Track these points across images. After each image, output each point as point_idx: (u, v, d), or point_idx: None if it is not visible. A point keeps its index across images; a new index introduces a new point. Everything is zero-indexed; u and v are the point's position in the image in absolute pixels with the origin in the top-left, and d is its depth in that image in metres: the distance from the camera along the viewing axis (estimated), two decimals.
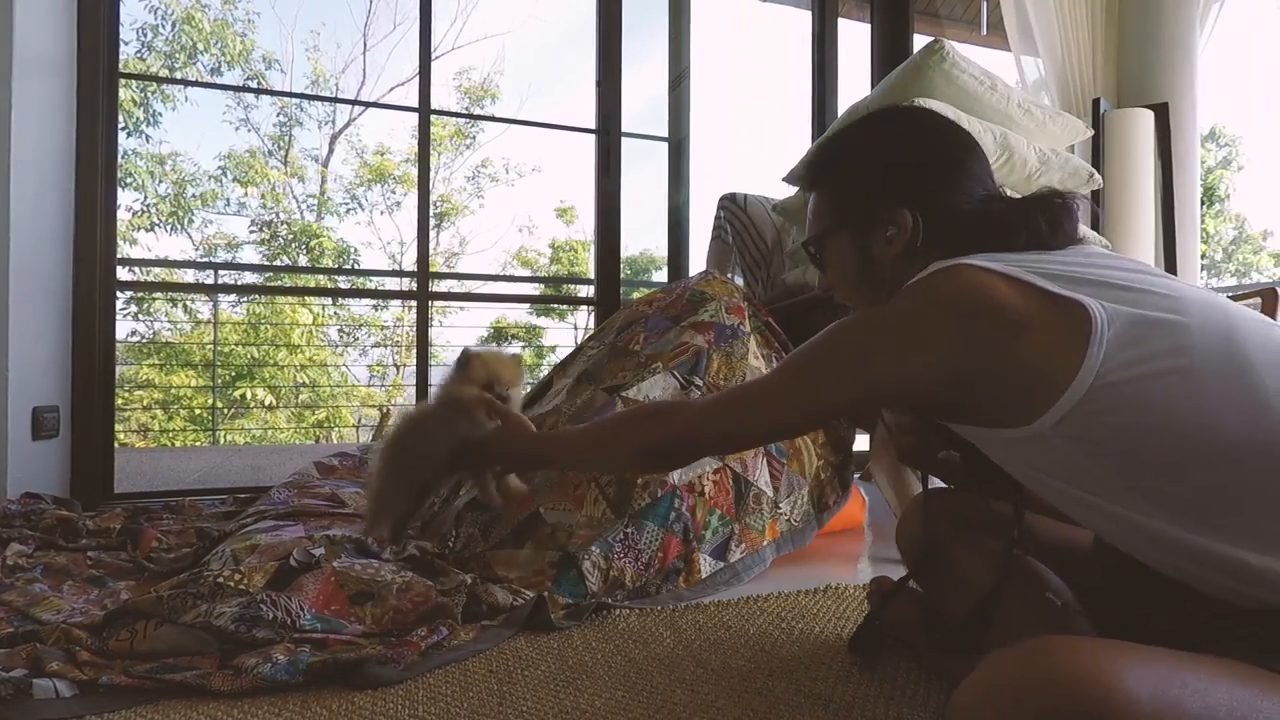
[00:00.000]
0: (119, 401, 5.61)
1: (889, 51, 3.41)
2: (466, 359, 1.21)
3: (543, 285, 10.96)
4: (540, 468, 1.39)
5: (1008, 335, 0.74)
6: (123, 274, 7.03)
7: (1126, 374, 0.70)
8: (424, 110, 2.86)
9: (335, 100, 11.49)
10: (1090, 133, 2.48)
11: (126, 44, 8.25)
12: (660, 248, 3.55)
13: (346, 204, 9.71)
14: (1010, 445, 0.79)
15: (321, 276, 9.13)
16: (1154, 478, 0.70)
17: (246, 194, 9.14)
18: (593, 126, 3.05)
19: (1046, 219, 0.87)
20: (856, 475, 1.87)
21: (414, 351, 2.98)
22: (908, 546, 1.11)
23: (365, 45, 10.14)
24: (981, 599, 0.91)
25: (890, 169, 0.94)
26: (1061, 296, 0.74)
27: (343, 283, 8.80)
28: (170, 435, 7.73)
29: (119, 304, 2.76)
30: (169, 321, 8.39)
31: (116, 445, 2.50)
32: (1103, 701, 0.55)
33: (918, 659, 1.11)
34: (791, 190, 2.54)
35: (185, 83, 9.39)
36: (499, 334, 9.62)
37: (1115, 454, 0.71)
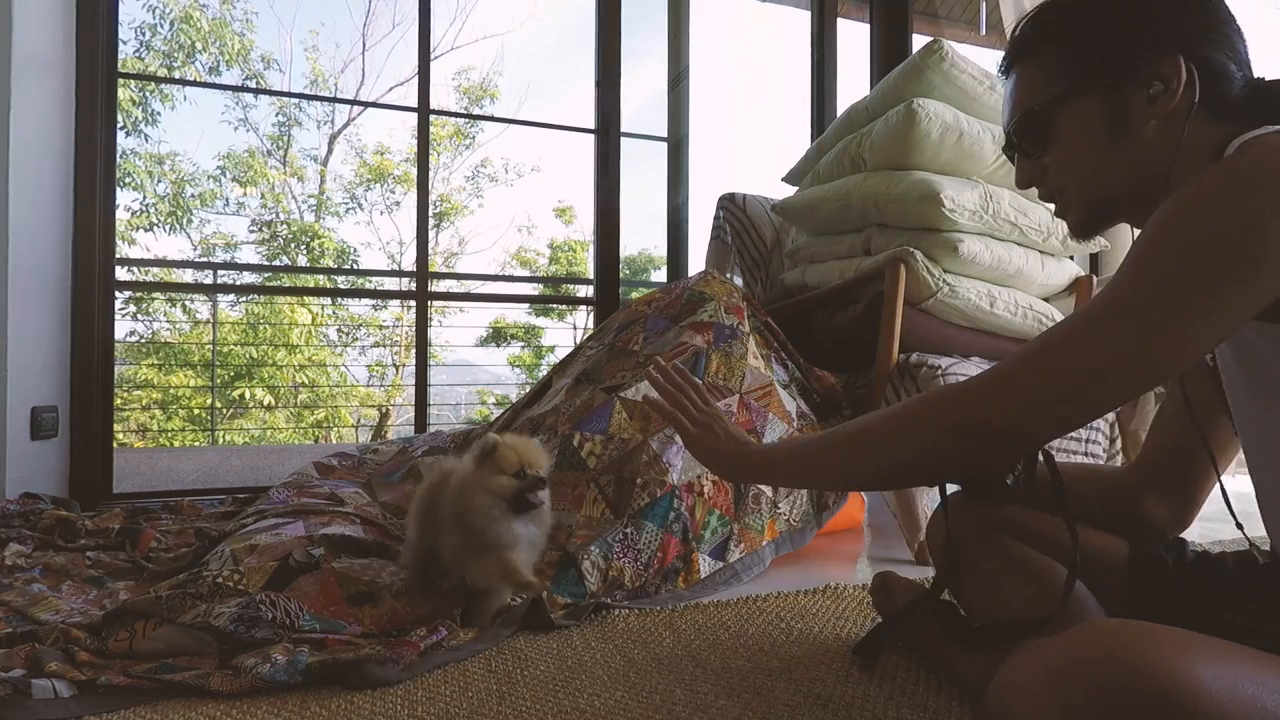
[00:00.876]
0: (118, 401, 5.61)
1: (888, 51, 3.41)
2: (494, 447, 1.19)
3: (542, 285, 10.96)
4: (779, 479, 1.07)
5: None
6: (121, 274, 7.03)
7: None
8: (423, 110, 2.86)
9: (334, 100, 11.48)
10: None
11: (125, 43, 8.25)
12: (659, 248, 3.55)
13: (346, 204, 9.72)
14: None
15: (320, 276, 9.13)
16: None
17: (245, 194, 9.14)
18: (592, 126, 3.05)
19: None
20: None
21: (413, 351, 2.98)
22: (936, 548, 1.10)
23: (364, 45, 10.15)
24: (1039, 617, 0.83)
25: (1151, 5, 0.76)
26: None
27: (342, 283, 8.81)
28: (169, 435, 7.72)
29: (118, 304, 2.76)
30: (168, 321, 8.38)
31: (115, 445, 2.49)
32: (1179, 689, 0.50)
33: (919, 657, 1.11)
34: (791, 190, 2.54)
35: (184, 82, 9.39)
36: (498, 334, 9.62)
37: None
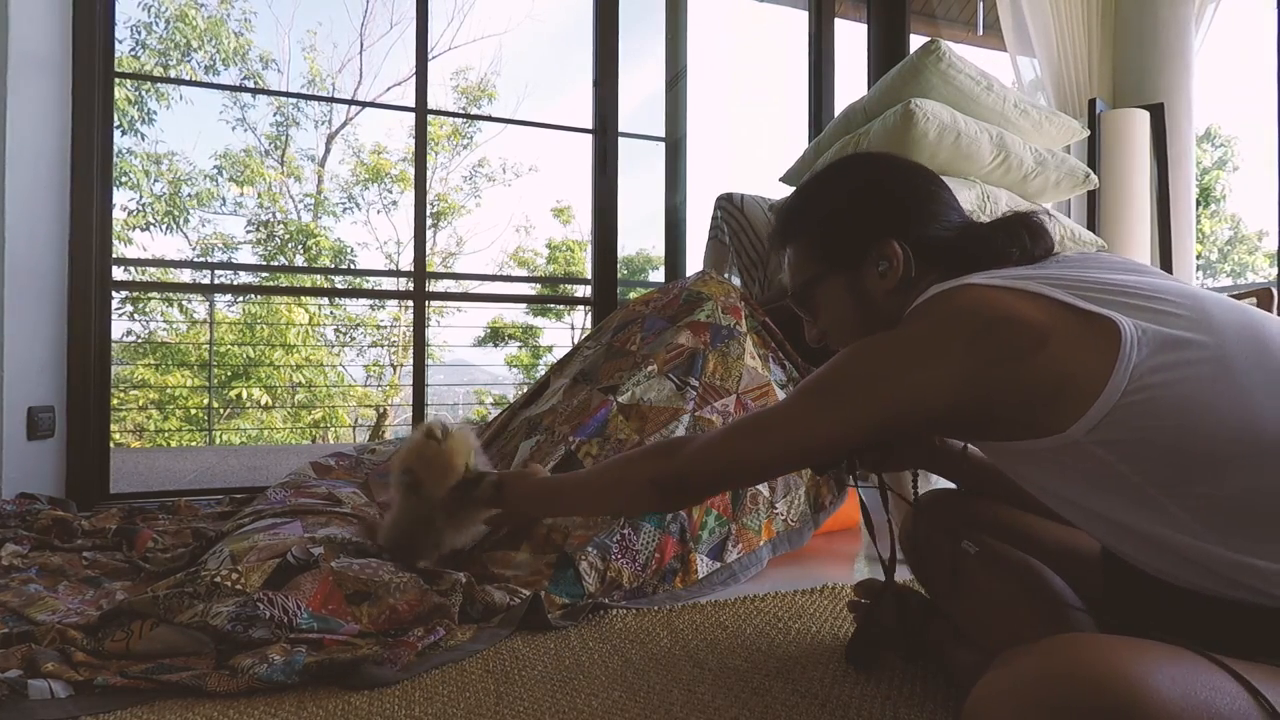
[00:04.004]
0: (114, 401, 5.59)
1: (885, 52, 3.41)
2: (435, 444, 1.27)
3: (539, 285, 10.96)
4: (552, 513, 1.28)
5: (1028, 347, 0.72)
6: (118, 274, 7.01)
7: (1162, 378, 0.68)
8: (421, 110, 2.86)
9: (332, 100, 11.46)
10: (1086, 133, 2.49)
11: (120, 42, 8.22)
12: (657, 248, 3.56)
13: (343, 204, 9.71)
14: (1039, 457, 0.76)
15: (318, 276, 9.11)
16: (1192, 482, 0.68)
17: (243, 194, 9.13)
18: (589, 126, 3.05)
19: (1029, 235, 0.89)
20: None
21: (410, 351, 2.98)
22: (909, 550, 1.11)
23: (362, 45, 10.14)
24: (948, 571, 0.95)
25: (867, 204, 0.96)
26: (1083, 309, 0.73)
27: (339, 283, 8.80)
28: (166, 435, 7.71)
29: (114, 303, 2.76)
30: (165, 321, 8.37)
31: (112, 445, 2.49)
32: (1132, 700, 0.53)
33: (917, 658, 1.11)
34: (789, 190, 2.54)
35: (181, 82, 9.38)
36: (496, 334, 9.61)
37: (1153, 458, 0.69)
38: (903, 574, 1.13)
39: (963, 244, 0.91)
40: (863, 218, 0.94)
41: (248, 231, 9.20)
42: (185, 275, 8.29)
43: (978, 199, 1.91)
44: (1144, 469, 0.69)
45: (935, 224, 0.93)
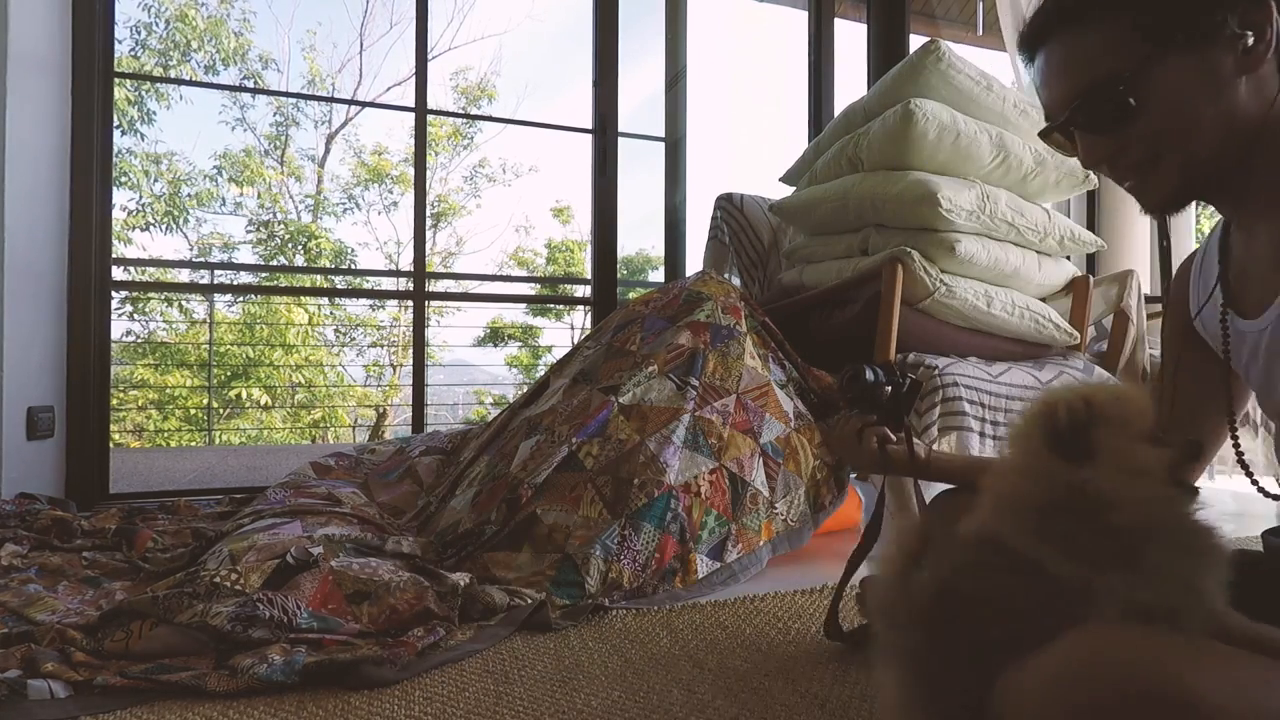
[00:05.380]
0: (114, 401, 5.60)
1: (885, 52, 3.41)
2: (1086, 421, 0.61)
3: (539, 285, 10.95)
4: None
5: None
6: (118, 274, 7.03)
7: None
8: (420, 110, 2.86)
9: (332, 100, 11.44)
10: None
11: (120, 42, 8.23)
12: (657, 248, 3.55)
13: (343, 204, 9.70)
14: None
15: (318, 276, 9.11)
16: None
17: (243, 194, 9.12)
18: (589, 126, 3.05)
19: None
20: (853, 475, 1.87)
21: (410, 351, 2.98)
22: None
23: (362, 45, 10.12)
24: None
25: None
26: None
27: (339, 283, 8.78)
28: (165, 435, 7.71)
29: (114, 304, 2.76)
30: (164, 321, 8.37)
31: (112, 445, 2.49)
32: (1183, 701, 0.49)
33: None
34: (788, 190, 2.54)
35: (181, 82, 9.37)
36: (495, 334, 9.61)
37: None
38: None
39: None
40: None
41: (248, 231, 9.20)
42: (185, 275, 8.28)
43: (978, 199, 1.91)
44: None
45: None
